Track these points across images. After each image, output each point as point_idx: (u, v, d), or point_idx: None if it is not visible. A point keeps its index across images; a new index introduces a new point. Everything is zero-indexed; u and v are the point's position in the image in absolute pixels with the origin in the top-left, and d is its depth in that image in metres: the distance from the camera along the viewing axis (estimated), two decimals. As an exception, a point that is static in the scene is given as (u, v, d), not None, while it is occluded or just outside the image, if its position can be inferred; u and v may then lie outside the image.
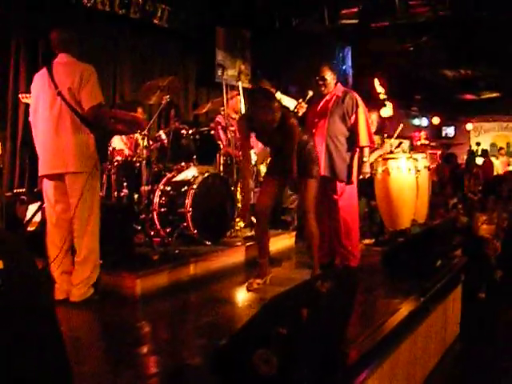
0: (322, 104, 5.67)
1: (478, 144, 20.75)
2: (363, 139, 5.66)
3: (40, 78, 4.62)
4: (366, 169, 5.87)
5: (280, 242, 6.55)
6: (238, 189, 6.66)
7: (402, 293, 4.74)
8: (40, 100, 4.57)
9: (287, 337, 2.66)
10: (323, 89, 5.66)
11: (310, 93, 5.74)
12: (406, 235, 6.71)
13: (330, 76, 5.66)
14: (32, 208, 5.65)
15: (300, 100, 5.70)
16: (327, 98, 5.68)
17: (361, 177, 5.93)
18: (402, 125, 9.14)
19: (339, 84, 5.80)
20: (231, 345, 2.86)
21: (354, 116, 5.65)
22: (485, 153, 18.24)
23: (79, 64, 4.56)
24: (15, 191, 6.36)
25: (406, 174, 6.91)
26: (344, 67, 12.90)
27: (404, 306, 4.39)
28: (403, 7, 9.45)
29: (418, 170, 7.04)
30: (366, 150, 5.81)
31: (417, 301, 4.60)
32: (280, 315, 2.74)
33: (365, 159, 5.85)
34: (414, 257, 5.38)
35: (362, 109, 5.67)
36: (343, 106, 5.63)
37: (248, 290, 4.96)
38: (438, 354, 5.25)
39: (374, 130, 7.65)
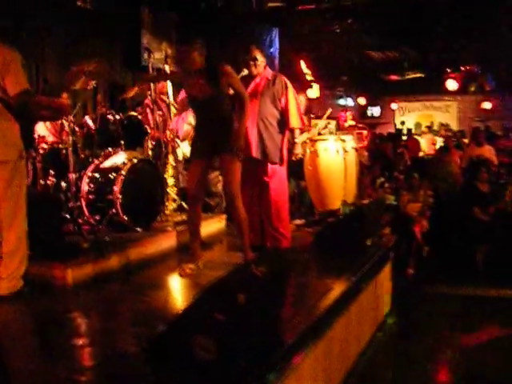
0: (252, 86, 5.65)
1: (403, 123, 21.22)
2: (294, 121, 5.71)
3: None
4: (298, 150, 5.96)
5: (210, 226, 6.53)
6: (167, 173, 6.60)
7: (334, 272, 4.82)
8: None
9: (225, 322, 2.66)
10: (253, 69, 5.65)
11: (245, 71, 5.73)
12: (336, 215, 6.81)
13: (260, 57, 5.66)
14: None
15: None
16: (257, 80, 5.67)
17: (293, 158, 5.97)
18: (330, 109, 9.25)
19: (268, 67, 5.81)
20: (168, 332, 2.84)
21: (283, 98, 5.68)
22: (409, 132, 18.66)
23: (1, 47, 4.36)
24: None
25: (335, 155, 7.00)
26: (271, 50, 12.92)
27: (336, 286, 4.47)
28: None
29: (346, 151, 7.15)
30: (297, 132, 5.89)
31: (349, 280, 4.69)
32: (217, 301, 2.74)
33: (296, 140, 5.94)
34: (345, 236, 5.48)
35: (291, 91, 5.71)
36: (273, 88, 5.65)
37: (181, 275, 4.93)
38: (371, 330, 5.38)
39: (302, 111, 7.73)
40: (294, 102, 5.74)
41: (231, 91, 4.96)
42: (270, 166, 5.67)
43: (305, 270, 4.90)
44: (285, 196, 5.85)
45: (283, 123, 5.72)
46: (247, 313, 2.79)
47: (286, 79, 5.75)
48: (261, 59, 5.66)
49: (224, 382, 2.76)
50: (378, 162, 10.70)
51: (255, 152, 5.54)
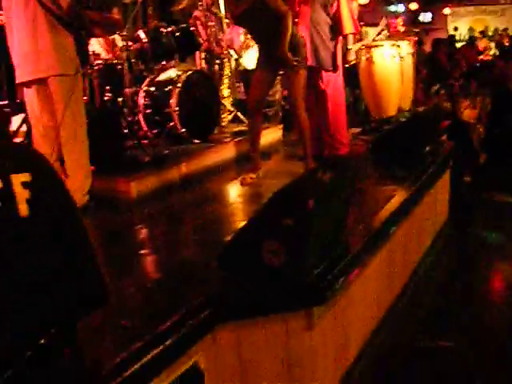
0: None
1: (456, 29, 20.51)
2: (347, 27, 5.59)
3: None
4: (351, 56, 5.88)
5: (267, 136, 6.52)
6: (223, 85, 6.57)
7: (394, 180, 4.79)
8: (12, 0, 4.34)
9: (295, 228, 2.69)
10: None
11: None
12: (393, 122, 6.72)
13: None
14: (16, 119, 5.53)
15: None
16: None
17: (346, 65, 5.87)
18: (384, 18, 8.96)
19: None
20: (239, 238, 2.90)
21: (335, 3, 5.55)
22: (470, 38, 18.01)
23: None
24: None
25: (390, 61, 6.85)
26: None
27: (397, 193, 4.45)
28: None
29: (402, 57, 6.98)
30: (351, 38, 5.80)
31: (409, 187, 4.66)
32: (286, 207, 2.76)
33: (349, 47, 5.86)
34: (403, 143, 5.39)
35: None
36: None
37: (242, 184, 4.98)
38: (431, 237, 5.38)
39: (356, 18, 7.53)
40: (347, 7, 5.60)
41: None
42: (324, 73, 5.59)
43: (366, 177, 4.87)
44: (342, 103, 5.81)
45: (335, 30, 5.59)
46: (316, 219, 2.81)
47: None
48: None
49: (294, 287, 2.82)
50: (432, 68, 10.44)
51: (310, 59, 5.40)
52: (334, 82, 5.67)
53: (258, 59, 5.16)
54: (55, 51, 4.25)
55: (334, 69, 5.62)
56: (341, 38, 5.69)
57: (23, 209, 1.91)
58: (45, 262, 1.97)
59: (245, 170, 5.14)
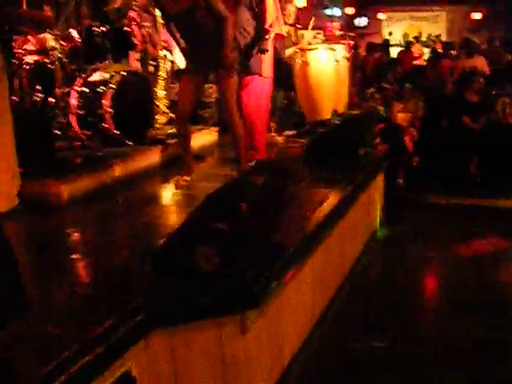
0: None
1: (390, 34, 20.90)
2: (269, 21, 5.46)
3: None
4: (267, 46, 5.53)
5: (202, 138, 6.49)
6: (158, 86, 6.49)
7: (327, 182, 4.83)
8: None
9: (227, 232, 2.67)
10: None
11: None
12: (327, 125, 6.78)
13: None
14: None
15: None
16: None
17: (259, 55, 5.52)
18: (313, 18, 9.02)
19: None
20: (171, 243, 2.85)
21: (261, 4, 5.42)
22: (407, 44, 18.29)
23: None
24: None
25: (326, 65, 6.93)
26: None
27: (331, 195, 4.48)
28: None
29: (337, 61, 7.06)
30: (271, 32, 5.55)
31: (343, 189, 4.70)
32: (219, 211, 2.74)
33: (266, 37, 5.51)
34: (337, 146, 5.45)
35: None
36: None
37: (176, 187, 4.93)
38: (364, 240, 5.45)
39: (291, 21, 7.57)
40: (273, 5, 5.49)
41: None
42: (250, 77, 5.49)
43: (299, 179, 4.88)
44: (262, 108, 5.67)
45: (261, 29, 5.44)
46: (248, 221, 2.80)
47: None
48: None
49: (227, 291, 2.80)
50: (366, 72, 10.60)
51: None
52: (259, 87, 5.56)
53: (186, 64, 5.10)
54: None
55: (261, 73, 5.51)
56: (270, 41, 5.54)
57: None
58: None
59: (179, 172, 5.08)
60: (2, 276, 2.02)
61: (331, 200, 4.39)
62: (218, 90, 5.44)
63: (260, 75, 5.51)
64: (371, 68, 11.88)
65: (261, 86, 5.57)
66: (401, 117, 8.13)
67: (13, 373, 2.14)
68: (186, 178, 4.98)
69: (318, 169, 5.35)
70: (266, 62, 5.53)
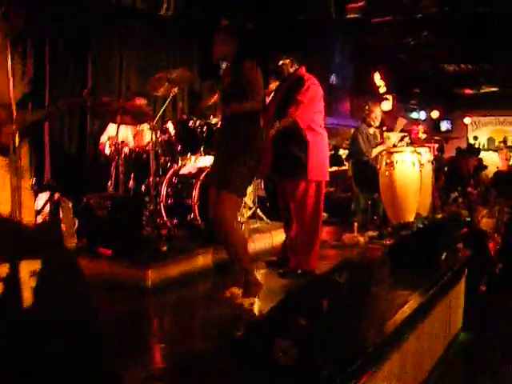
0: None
1: (476, 138, 20.85)
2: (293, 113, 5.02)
3: None
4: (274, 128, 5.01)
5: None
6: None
7: (408, 285, 4.78)
8: None
9: (307, 327, 2.71)
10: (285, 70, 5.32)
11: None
12: (410, 228, 6.77)
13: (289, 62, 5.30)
14: (42, 197, 5.66)
15: None
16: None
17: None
18: (404, 120, 9.19)
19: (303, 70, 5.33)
20: (250, 334, 2.91)
21: (299, 96, 5.04)
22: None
23: None
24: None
25: (411, 168, 6.98)
26: (341, 60, 12.95)
27: (411, 299, 4.44)
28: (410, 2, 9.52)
29: (422, 164, 7.12)
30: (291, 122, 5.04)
31: (423, 294, 4.65)
32: (300, 306, 2.79)
33: (277, 125, 5.03)
34: (421, 250, 5.43)
35: (312, 90, 5.11)
36: (291, 90, 5.16)
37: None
38: (443, 346, 5.32)
39: (377, 124, 7.75)
40: (307, 99, 5.05)
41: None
42: (294, 183, 5.17)
43: (379, 281, 4.87)
44: (314, 217, 5.21)
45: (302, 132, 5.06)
46: (329, 319, 2.83)
47: (308, 77, 5.19)
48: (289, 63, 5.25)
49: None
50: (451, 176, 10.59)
51: (273, 168, 5.22)
52: (305, 193, 5.14)
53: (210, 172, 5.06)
54: None
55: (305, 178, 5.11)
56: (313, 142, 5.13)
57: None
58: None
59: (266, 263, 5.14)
60: (93, 357, 2.11)
61: (411, 303, 4.35)
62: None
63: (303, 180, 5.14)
64: (458, 172, 11.84)
65: (307, 189, 5.16)
66: (485, 222, 8.05)
67: None
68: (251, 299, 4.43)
69: (399, 271, 5.34)
70: (310, 165, 5.12)
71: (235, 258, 4.46)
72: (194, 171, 6.07)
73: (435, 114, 21.12)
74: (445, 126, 22.40)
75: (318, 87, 5.17)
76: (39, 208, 5.49)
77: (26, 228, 2.57)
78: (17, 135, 3.74)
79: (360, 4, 10.01)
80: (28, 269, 1.91)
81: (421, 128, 17.56)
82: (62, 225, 5.40)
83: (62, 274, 2.02)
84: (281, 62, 5.26)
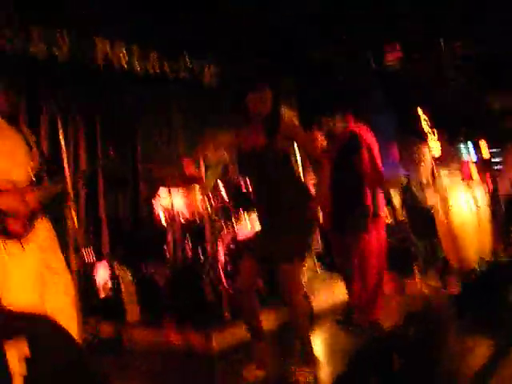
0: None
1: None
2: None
3: None
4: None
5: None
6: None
7: (476, 334, 4.63)
8: None
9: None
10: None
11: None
12: (474, 273, 6.59)
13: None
14: (100, 269, 5.75)
15: None
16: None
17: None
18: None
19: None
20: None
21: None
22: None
23: None
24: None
25: (467, 210, 6.87)
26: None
27: (481, 347, 4.29)
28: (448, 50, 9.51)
29: (479, 206, 7.00)
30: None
31: (494, 341, 4.47)
32: (371, 362, 2.75)
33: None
34: (486, 295, 5.26)
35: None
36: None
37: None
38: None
39: (429, 171, 7.68)
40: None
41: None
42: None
43: (449, 331, 4.73)
44: (376, 268, 5.12)
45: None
46: (400, 374, 2.78)
47: (364, 132, 5.31)
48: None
49: None
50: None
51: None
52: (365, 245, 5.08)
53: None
54: None
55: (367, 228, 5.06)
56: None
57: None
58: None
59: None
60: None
61: (479, 352, 4.22)
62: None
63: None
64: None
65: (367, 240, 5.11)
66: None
67: None
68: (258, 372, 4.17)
69: (465, 319, 5.18)
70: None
71: (298, 328, 4.11)
72: (250, 235, 6.05)
73: (485, 152, 20.76)
74: (496, 162, 22.00)
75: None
76: (100, 281, 5.58)
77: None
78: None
79: (398, 54, 10.03)
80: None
81: (472, 167, 17.25)
82: (123, 295, 5.48)
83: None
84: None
